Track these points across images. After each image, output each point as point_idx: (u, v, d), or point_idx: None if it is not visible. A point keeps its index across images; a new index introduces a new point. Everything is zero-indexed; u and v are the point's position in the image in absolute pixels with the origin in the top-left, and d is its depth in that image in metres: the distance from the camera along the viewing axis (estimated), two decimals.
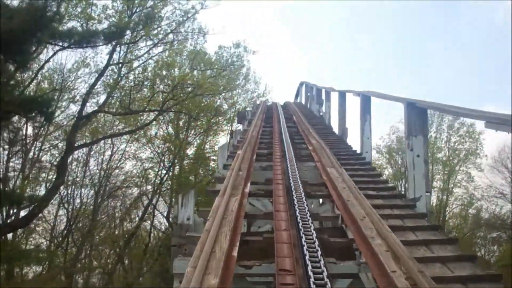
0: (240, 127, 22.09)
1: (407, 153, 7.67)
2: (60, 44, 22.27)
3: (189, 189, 6.52)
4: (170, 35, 27.60)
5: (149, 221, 32.33)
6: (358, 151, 12.29)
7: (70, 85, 27.82)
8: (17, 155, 26.12)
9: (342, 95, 16.16)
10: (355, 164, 10.43)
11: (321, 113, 21.58)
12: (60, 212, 29.26)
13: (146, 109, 28.13)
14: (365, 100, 12.38)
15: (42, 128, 26.83)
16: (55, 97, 26.67)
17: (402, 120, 31.75)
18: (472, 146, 36.02)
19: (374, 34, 69.27)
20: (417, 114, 7.77)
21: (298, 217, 5.40)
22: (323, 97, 21.46)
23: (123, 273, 30.39)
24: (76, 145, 26.86)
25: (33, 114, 21.09)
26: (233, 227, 4.91)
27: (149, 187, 32.38)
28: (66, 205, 29.21)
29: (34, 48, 22.21)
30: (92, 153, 31.08)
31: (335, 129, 17.09)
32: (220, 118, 33.68)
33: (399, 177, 35.70)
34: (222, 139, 34.07)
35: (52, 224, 28.73)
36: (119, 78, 26.91)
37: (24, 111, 19.73)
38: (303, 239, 4.65)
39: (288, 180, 7.46)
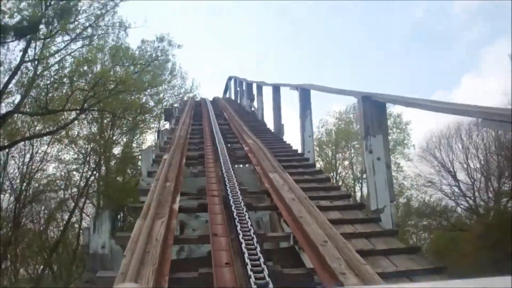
0: (167, 125, 20.77)
1: (365, 156, 6.48)
2: None
3: (103, 210, 5.16)
4: (89, 30, 26.03)
5: (77, 225, 30.76)
6: (299, 151, 11.20)
7: None
8: None
9: (276, 89, 15.04)
10: (298, 167, 9.23)
11: (252, 109, 20.50)
12: None
13: (66, 108, 26.27)
14: (305, 94, 11.16)
15: None
16: None
17: (330, 113, 32.15)
18: (399, 137, 36.25)
19: (307, 29, 68.31)
20: (374, 109, 6.61)
21: (243, 244, 4.25)
22: (254, 91, 20.36)
23: (52, 281, 28.61)
24: None
25: None
26: (158, 266, 3.70)
27: (75, 189, 30.73)
28: None
29: None
30: (10, 156, 29.04)
31: (269, 125, 16.06)
32: (146, 115, 32.25)
33: (330, 170, 35.57)
34: (150, 136, 32.83)
35: None
36: (35, 76, 24.95)
37: None
38: (252, 279, 3.50)
39: (225, 189, 6.29)
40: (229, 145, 10.94)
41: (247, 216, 5.04)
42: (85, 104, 26.52)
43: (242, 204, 5.51)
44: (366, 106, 6.60)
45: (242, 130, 12.68)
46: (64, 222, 30.23)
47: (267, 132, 14.53)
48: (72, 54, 26.19)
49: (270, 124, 16.23)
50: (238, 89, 25.73)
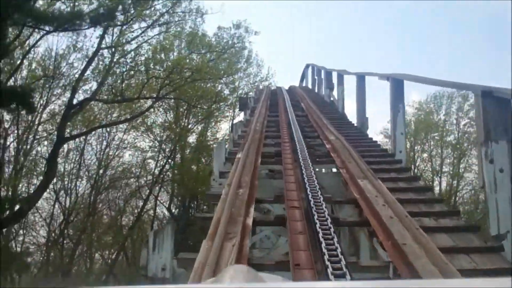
0: (241, 115, 20.11)
1: (484, 165, 5.14)
2: (45, 28, 20.44)
3: (164, 225, 4.34)
4: (166, 16, 25.71)
5: (151, 211, 30.98)
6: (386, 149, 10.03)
7: (65, 71, 25.93)
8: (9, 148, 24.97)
9: (361, 78, 13.80)
10: (390, 171, 7.90)
11: (331, 99, 19.40)
12: (57, 206, 27.90)
13: (141, 96, 26.15)
14: (397, 85, 9.71)
15: (35, 118, 25.24)
16: (48, 84, 25.19)
17: (409, 103, 30.52)
18: None
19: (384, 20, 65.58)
20: (497, 108, 5.24)
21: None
22: (334, 81, 19.22)
23: (126, 265, 29.00)
24: (68, 135, 25.18)
25: (13, 106, 19.37)
26: None
27: (150, 177, 30.81)
28: (60, 199, 27.81)
29: (17, 33, 20.46)
30: (87, 143, 29.40)
31: (350, 118, 14.98)
32: (221, 104, 31.78)
33: (408, 162, 33.99)
34: (224, 125, 32.43)
35: (48, 219, 27.43)
36: (112, 63, 24.90)
37: (3, 104, 17.96)
38: None
39: (307, 199, 5.37)
40: (308, 139, 10.02)
41: (335, 240, 4.12)
42: (161, 92, 26.32)
43: (329, 221, 4.58)
44: (486, 104, 5.33)
45: (322, 123, 11.70)
46: (138, 209, 30.39)
47: (349, 126, 13.35)
48: (149, 41, 26.02)
49: (350, 116, 15.24)
50: (315, 77, 24.63)
